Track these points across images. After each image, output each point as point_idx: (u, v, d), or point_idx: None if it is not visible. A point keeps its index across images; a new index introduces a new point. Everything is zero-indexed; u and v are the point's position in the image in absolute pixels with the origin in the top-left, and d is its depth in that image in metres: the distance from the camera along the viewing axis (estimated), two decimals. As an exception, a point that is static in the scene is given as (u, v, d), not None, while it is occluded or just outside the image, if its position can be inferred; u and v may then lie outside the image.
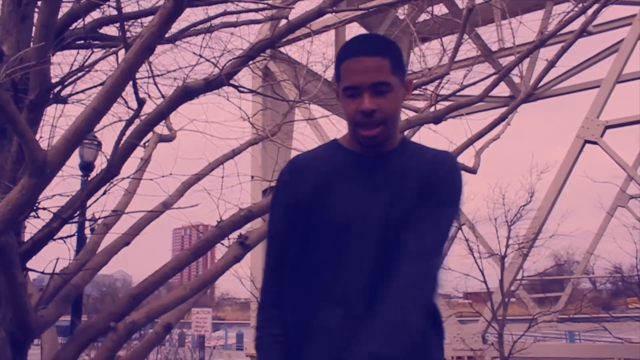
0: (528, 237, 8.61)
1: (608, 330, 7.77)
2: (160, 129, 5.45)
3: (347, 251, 1.44)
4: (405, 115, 3.27)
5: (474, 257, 7.52)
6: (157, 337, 3.66)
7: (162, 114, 2.74)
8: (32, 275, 3.70)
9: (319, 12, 2.77)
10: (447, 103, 3.81)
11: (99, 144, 9.57)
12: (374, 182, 1.48)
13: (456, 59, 4.60)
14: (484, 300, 9.42)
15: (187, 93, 2.70)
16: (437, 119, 3.12)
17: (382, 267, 1.41)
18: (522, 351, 6.78)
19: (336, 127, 4.47)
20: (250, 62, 2.78)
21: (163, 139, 5.50)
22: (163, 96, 3.45)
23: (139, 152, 5.14)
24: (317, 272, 1.46)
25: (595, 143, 8.56)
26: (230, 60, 2.74)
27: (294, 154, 3.51)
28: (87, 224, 6.86)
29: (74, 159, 9.43)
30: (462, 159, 4.00)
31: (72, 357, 3.01)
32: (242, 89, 2.89)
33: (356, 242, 1.43)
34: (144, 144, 5.28)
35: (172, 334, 13.89)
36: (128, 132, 2.73)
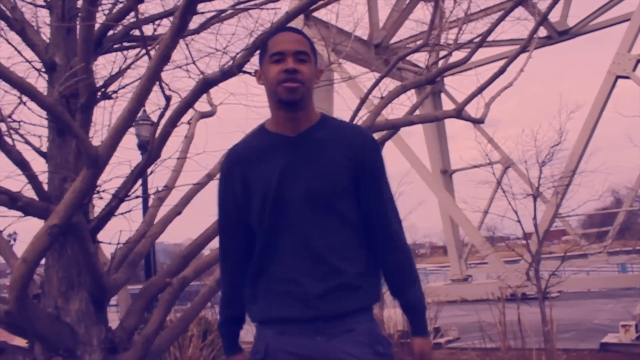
0: (565, 175, 8.76)
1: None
2: (202, 105, 5.91)
3: (282, 220, 1.73)
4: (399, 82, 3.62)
5: (508, 199, 7.77)
6: (211, 290, 4.28)
7: (188, 103, 3.24)
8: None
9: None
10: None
11: (152, 123, 10.29)
12: (299, 157, 1.74)
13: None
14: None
15: (207, 84, 3.19)
16: (430, 80, 3.48)
17: (314, 229, 1.72)
18: (557, 285, 7.10)
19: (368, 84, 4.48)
20: (257, 51, 3.22)
21: (204, 115, 5.99)
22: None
23: (183, 131, 5.66)
24: (265, 240, 1.76)
25: (627, 78, 8.50)
26: (241, 51, 3.20)
27: (337, 114, 3.87)
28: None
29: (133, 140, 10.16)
30: (470, 108, 4.27)
31: (140, 310, 3.67)
32: (253, 74, 3.35)
33: (289, 210, 1.72)
34: (188, 121, 5.82)
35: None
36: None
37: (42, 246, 2.75)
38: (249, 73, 3.42)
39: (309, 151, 1.75)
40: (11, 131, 3.18)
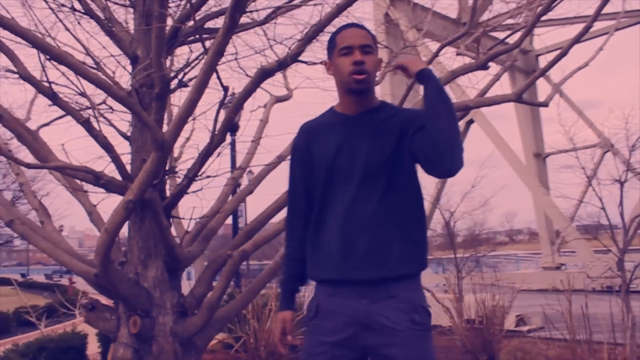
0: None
1: None
2: (278, 90, 6.18)
3: (335, 186, 1.96)
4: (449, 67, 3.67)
5: (591, 185, 7.44)
6: (276, 265, 4.61)
7: (248, 92, 3.52)
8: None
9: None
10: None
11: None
12: (356, 133, 1.98)
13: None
14: None
15: (264, 74, 3.45)
16: (481, 66, 3.52)
17: (364, 197, 1.91)
18: (641, 277, 6.74)
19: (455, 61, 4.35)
20: (310, 42, 3.43)
21: (280, 99, 6.29)
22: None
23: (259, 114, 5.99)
24: (320, 205, 2.00)
25: None
26: (294, 43, 3.44)
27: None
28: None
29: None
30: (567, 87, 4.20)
31: (209, 279, 4.06)
32: (308, 63, 3.58)
33: (342, 179, 1.95)
34: (264, 105, 6.14)
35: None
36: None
37: (120, 218, 3.18)
38: (304, 62, 3.65)
39: (364, 128, 1.99)
40: (100, 118, 3.63)
